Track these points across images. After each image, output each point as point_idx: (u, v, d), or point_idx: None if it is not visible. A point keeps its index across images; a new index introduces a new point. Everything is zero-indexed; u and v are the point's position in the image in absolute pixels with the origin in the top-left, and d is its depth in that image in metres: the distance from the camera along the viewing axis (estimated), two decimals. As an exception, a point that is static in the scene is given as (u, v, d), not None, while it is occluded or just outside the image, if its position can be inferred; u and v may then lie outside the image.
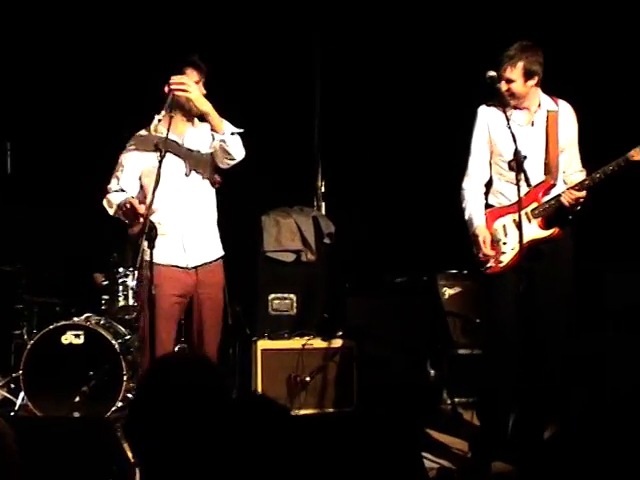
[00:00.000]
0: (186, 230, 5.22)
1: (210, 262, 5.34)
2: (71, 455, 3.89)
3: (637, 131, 5.36)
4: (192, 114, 5.23)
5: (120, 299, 6.90)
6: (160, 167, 4.87)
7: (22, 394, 6.41)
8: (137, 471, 3.63)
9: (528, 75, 5.13)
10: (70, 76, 7.90)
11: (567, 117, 5.32)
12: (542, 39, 5.24)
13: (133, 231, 5.36)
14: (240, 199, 7.16)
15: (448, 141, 6.44)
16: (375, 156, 8.09)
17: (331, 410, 6.69)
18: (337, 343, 6.82)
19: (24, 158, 7.98)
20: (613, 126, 6.67)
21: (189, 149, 5.25)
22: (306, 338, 6.82)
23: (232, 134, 5.17)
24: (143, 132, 5.35)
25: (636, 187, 5.98)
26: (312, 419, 5.68)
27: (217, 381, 2.46)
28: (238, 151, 5.22)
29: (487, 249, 5.18)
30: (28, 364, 6.38)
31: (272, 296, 7.18)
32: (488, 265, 5.23)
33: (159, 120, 5.23)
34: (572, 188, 5.11)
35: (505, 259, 5.22)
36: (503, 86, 5.14)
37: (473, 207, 5.31)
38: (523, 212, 5.07)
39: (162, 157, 4.88)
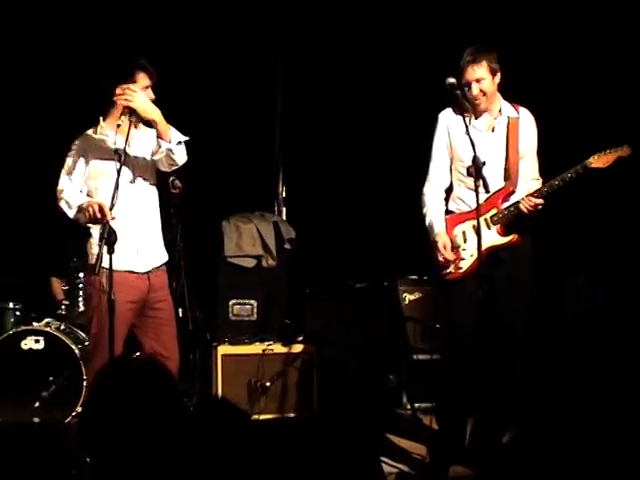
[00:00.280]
0: (139, 235, 5.20)
1: (159, 266, 5.35)
2: (30, 460, 3.87)
3: (595, 138, 5.41)
4: (140, 120, 5.20)
5: (80, 304, 6.87)
6: (120, 172, 4.86)
7: (-19, 399, 6.36)
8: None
9: (493, 72, 5.16)
10: (18, 78, 7.74)
11: (527, 124, 5.34)
12: (502, 48, 5.28)
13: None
14: (201, 204, 7.16)
15: (408, 147, 6.48)
16: (336, 162, 8.11)
17: (292, 415, 6.70)
18: (297, 348, 6.83)
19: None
20: (571, 134, 6.73)
21: (135, 155, 5.22)
22: (266, 343, 6.83)
23: (178, 143, 5.16)
24: (88, 133, 5.29)
25: (592, 193, 6.03)
26: (272, 424, 5.69)
27: (169, 384, 2.47)
28: (182, 158, 5.21)
29: (448, 254, 5.21)
30: (-13, 369, 6.35)
31: (233, 301, 7.19)
32: (448, 271, 5.26)
33: (106, 121, 5.22)
34: (531, 195, 5.14)
35: (464, 265, 5.24)
36: (475, 89, 5.14)
37: (434, 213, 5.33)
38: (482, 218, 5.10)
39: (122, 162, 4.88)
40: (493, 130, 5.28)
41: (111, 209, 4.82)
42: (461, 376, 5.20)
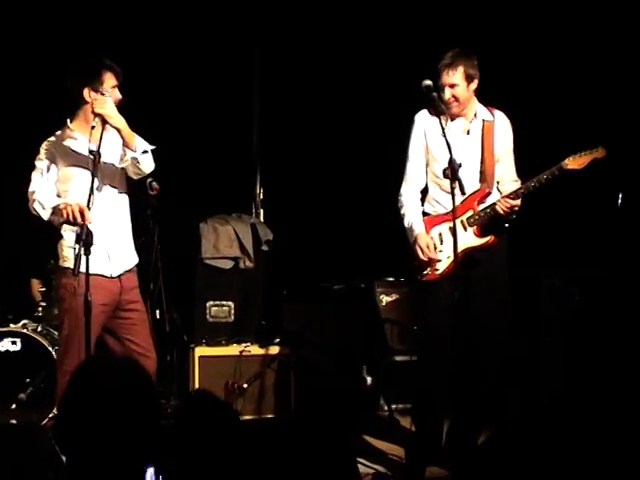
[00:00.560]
0: (110, 239, 5.19)
1: (130, 269, 5.35)
2: (6, 462, 3.86)
3: (571, 140, 5.45)
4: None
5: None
6: (94, 174, 4.86)
7: (-43, 402, 6.34)
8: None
9: (469, 78, 5.18)
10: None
11: (503, 127, 5.37)
12: (477, 51, 5.30)
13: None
14: (178, 206, 7.16)
15: (384, 150, 6.49)
16: (313, 164, 8.12)
17: (269, 416, 6.70)
18: (274, 350, 6.84)
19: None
20: (547, 135, 6.77)
21: (105, 160, 5.18)
22: (244, 345, 6.83)
23: (144, 152, 5.15)
24: (58, 136, 5.26)
25: (568, 194, 6.07)
26: (249, 425, 5.69)
27: (146, 383, 2.47)
28: (148, 167, 5.20)
29: (432, 254, 5.21)
30: (-37, 371, 6.32)
31: (210, 303, 7.19)
32: (424, 272, 5.27)
33: (72, 123, 5.21)
34: (507, 196, 5.16)
35: (441, 267, 5.25)
36: (447, 93, 5.16)
37: (412, 214, 5.33)
38: (459, 220, 5.11)
39: (96, 164, 4.87)
40: (468, 133, 5.30)
41: (89, 210, 4.82)
42: (438, 377, 5.22)
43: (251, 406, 6.72)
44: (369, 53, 7.91)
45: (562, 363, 6.63)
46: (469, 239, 5.23)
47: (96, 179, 4.99)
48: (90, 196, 4.79)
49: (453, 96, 5.19)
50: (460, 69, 5.15)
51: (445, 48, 5.24)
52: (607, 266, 6.61)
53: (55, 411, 6.14)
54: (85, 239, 4.73)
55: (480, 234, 5.26)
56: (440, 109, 5.19)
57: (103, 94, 5.06)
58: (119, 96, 5.17)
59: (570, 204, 6.78)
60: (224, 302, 7.21)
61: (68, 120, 5.24)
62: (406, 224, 5.35)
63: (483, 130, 5.30)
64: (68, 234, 5.16)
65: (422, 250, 5.21)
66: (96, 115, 5.01)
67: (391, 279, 7.35)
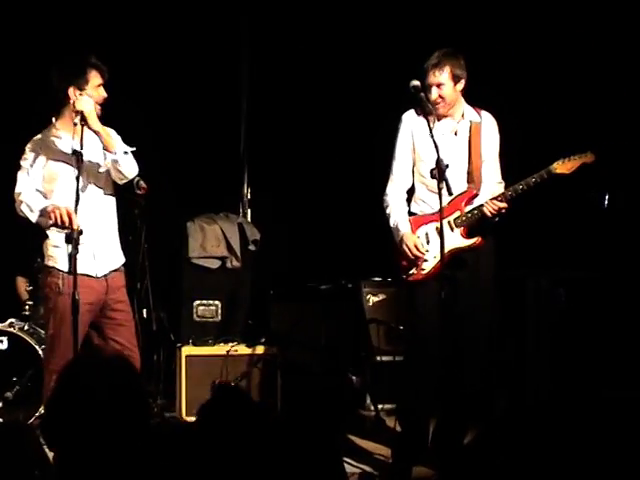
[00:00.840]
0: (96, 239, 5.18)
1: (116, 269, 5.35)
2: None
3: (559, 144, 5.46)
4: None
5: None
6: (79, 174, 4.86)
7: (-57, 400, 6.33)
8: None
9: (456, 79, 5.18)
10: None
11: (489, 128, 5.38)
12: (466, 52, 5.31)
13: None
14: (165, 205, 7.15)
15: (372, 149, 6.49)
16: (301, 164, 8.11)
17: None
18: (261, 349, 6.84)
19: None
20: (536, 139, 6.79)
21: (90, 159, 5.17)
22: (230, 344, 6.84)
23: (125, 153, 5.14)
24: (43, 135, 5.25)
25: (554, 194, 6.07)
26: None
27: (134, 381, 2.47)
28: (130, 170, 5.21)
29: (418, 252, 5.22)
30: (-51, 370, 6.31)
31: (197, 302, 7.19)
32: (410, 272, 5.28)
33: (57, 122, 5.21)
34: (495, 199, 5.16)
35: (427, 267, 5.26)
36: (434, 93, 5.16)
37: (398, 213, 5.33)
38: (446, 221, 5.11)
39: (80, 164, 4.87)
40: (456, 134, 5.31)
41: (76, 211, 4.82)
42: (424, 378, 5.22)
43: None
44: (359, 50, 7.90)
45: (548, 364, 6.65)
46: (456, 240, 5.23)
47: (82, 179, 4.99)
48: (76, 200, 4.79)
49: (440, 96, 5.19)
50: (447, 69, 5.16)
51: (435, 48, 5.24)
52: (594, 267, 6.63)
53: (42, 410, 6.13)
54: (76, 238, 4.74)
55: (467, 235, 5.26)
56: (427, 109, 5.18)
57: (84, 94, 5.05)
58: (104, 94, 5.16)
59: (556, 205, 6.79)
60: (211, 302, 7.22)
61: (53, 119, 5.24)
62: (392, 224, 5.35)
63: (471, 131, 5.31)
64: (53, 234, 5.16)
65: (409, 249, 5.21)
66: (77, 113, 5.00)
67: (378, 279, 7.34)
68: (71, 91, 5.08)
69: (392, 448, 5.56)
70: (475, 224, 5.24)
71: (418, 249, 5.20)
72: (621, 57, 6.90)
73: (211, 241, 7.23)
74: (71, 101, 5.08)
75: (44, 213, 5.03)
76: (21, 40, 7.47)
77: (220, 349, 6.82)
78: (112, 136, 5.14)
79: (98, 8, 7.50)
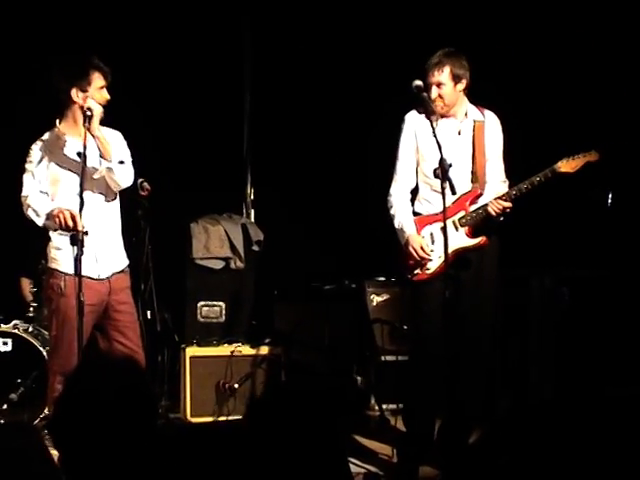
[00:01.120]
0: (98, 241, 5.18)
1: (119, 271, 5.34)
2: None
3: (564, 143, 5.45)
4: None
5: (48, 306, 6.84)
6: (83, 176, 4.85)
7: (-52, 402, 6.33)
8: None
9: (456, 79, 5.18)
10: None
11: (493, 127, 5.37)
12: (469, 51, 5.31)
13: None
14: (169, 206, 7.15)
15: (376, 150, 6.49)
16: (304, 164, 8.12)
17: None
18: (265, 350, 6.84)
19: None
20: (540, 138, 6.78)
21: (94, 164, 5.16)
22: (235, 345, 6.83)
23: (121, 162, 5.13)
24: (48, 137, 5.25)
25: (558, 193, 6.07)
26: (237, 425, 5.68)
27: (140, 382, 2.48)
28: (124, 180, 5.20)
29: (424, 254, 5.21)
30: (-46, 372, 6.32)
31: (201, 303, 7.20)
32: (415, 272, 5.28)
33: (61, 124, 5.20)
34: (499, 198, 5.16)
35: (432, 266, 5.26)
36: (434, 92, 5.15)
37: (402, 214, 5.33)
38: (450, 220, 5.12)
39: (83, 166, 4.87)
40: (459, 133, 5.31)
41: (80, 214, 4.82)
42: (429, 377, 5.23)
43: (242, 406, 6.70)
44: (362, 53, 7.90)
45: (552, 363, 6.65)
46: (461, 239, 5.24)
47: (86, 182, 4.98)
48: (81, 201, 4.79)
49: (439, 95, 5.19)
50: (447, 69, 5.16)
51: (437, 48, 5.24)
52: (598, 266, 6.62)
53: (46, 411, 6.15)
54: (82, 240, 4.75)
55: (472, 235, 5.26)
56: (430, 109, 5.17)
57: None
58: (107, 97, 5.15)
59: (560, 203, 6.79)
60: (215, 302, 7.23)
61: (57, 121, 5.23)
62: (396, 225, 5.35)
63: (474, 130, 5.30)
64: (56, 236, 5.16)
65: (415, 251, 5.21)
66: (85, 111, 4.98)
67: (382, 279, 7.34)
68: (73, 92, 5.07)
69: (396, 448, 5.56)
70: (480, 223, 5.24)
71: (424, 251, 5.21)
72: (624, 55, 6.90)
73: (215, 242, 7.24)
74: (75, 103, 5.07)
75: (50, 217, 5.03)
76: (21, 40, 7.47)
77: (224, 350, 6.82)
78: (110, 143, 5.12)
79: (100, 8, 7.50)
